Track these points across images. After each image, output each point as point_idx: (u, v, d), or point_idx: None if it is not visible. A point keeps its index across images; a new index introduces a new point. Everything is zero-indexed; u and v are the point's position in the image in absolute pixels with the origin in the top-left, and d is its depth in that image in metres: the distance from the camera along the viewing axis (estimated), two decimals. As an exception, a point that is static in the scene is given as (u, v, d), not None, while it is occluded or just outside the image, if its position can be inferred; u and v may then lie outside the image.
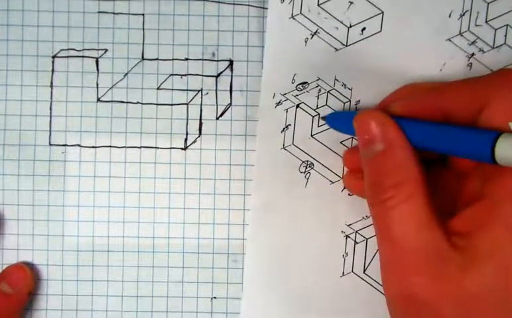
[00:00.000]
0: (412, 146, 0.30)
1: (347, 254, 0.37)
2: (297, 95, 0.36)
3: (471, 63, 0.35)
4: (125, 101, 0.37)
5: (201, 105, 0.37)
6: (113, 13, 0.37)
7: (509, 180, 0.28)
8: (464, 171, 0.31)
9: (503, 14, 0.35)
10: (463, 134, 0.29)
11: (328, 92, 0.36)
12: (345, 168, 0.36)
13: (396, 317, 0.30)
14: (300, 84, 0.36)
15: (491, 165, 0.28)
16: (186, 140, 0.37)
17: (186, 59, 0.37)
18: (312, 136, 0.36)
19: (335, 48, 0.36)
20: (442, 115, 0.30)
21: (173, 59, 0.37)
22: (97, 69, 0.37)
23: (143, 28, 0.37)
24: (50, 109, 0.37)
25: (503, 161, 0.27)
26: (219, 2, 0.37)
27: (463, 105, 0.29)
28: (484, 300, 0.27)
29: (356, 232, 0.36)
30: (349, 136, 0.36)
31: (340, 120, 0.35)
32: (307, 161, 0.36)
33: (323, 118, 0.36)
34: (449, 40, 0.35)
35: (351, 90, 0.36)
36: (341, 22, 0.36)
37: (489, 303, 0.27)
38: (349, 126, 0.32)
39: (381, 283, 0.35)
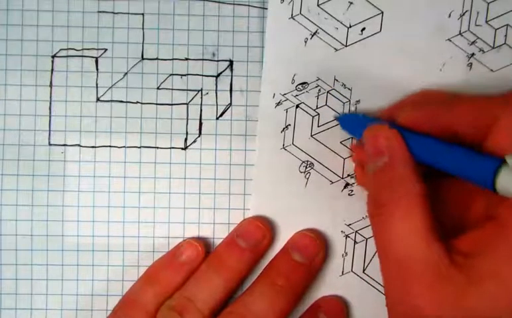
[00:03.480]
0: (415, 162, 0.30)
1: (346, 253, 0.37)
2: (297, 95, 0.36)
3: (471, 63, 0.35)
4: (125, 100, 0.37)
5: (201, 105, 0.37)
6: (113, 13, 0.37)
7: None
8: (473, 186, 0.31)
9: (503, 14, 0.35)
10: (466, 157, 0.29)
11: (328, 92, 0.36)
12: (353, 163, 0.36)
13: None
14: (299, 84, 0.36)
15: None
16: (186, 140, 0.37)
17: (186, 59, 0.37)
18: (312, 136, 0.36)
19: (335, 48, 0.36)
20: (448, 130, 0.30)
21: (173, 59, 0.37)
22: (97, 69, 0.37)
23: (143, 28, 0.37)
24: (50, 109, 0.37)
25: (504, 193, 0.27)
26: (219, 2, 0.37)
27: (470, 123, 0.30)
28: None
29: (356, 232, 0.36)
30: (349, 136, 0.36)
31: (352, 124, 0.35)
32: (307, 161, 0.36)
33: (337, 118, 0.36)
34: (449, 40, 0.35)
35: (350, 90, 0.36)
36: (341, 23, 0.36)
37: None
38: (359, 131, 0.32)
39: (380, 282, 0.36)
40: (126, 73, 0.37)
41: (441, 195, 0.31)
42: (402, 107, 0.33)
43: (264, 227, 0.36)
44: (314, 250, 0.35)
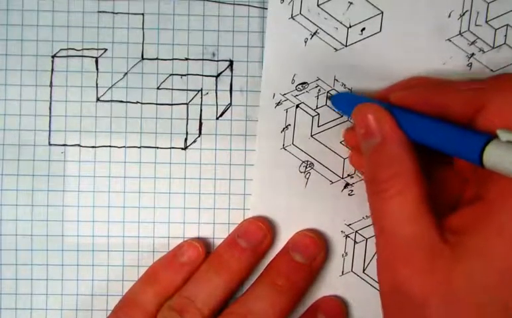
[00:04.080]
0: (408, 140, 0.30)
1: (346, 253, 0.37)
2: (297, 95, 0.36)
3: (471, 63, 0.36)
4: (125, 100, 0.37)
5: (201, 105, 0.37)
6: (113, 13, 0.37)
7: (501, 184, 0.28)
8: (466, 172, 0.32)
9: (503, 14, 0.35)
10: (455, 133, 0.29)
11: (328, 92, 0.36)
12: (348, 148, 0.36)
13: (387, 309, 0.30)
14: (299, 84, 0.36)
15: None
16: (186, 140, 0.37)
17: (186, 59, 0.37)
18: (312, 136, 0.36)
19: (335, 48, 0.36)
20: (439, 111, 0.30)
21: (173, 59, 0.37)
22: (97, 69, 0.37)
23: (143, 28, 0.37)
24: (50, 109, 0.37)
25: (490, 167, 0.27)
26: (219, 2, 0.37)
27: (460, 104, 0.30)
28: (469, 296, 0.27)
29: (356, 232, 0.37)
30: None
31: (345, 103, 0.35)
32: (307, 161, 0.36)
33: (330, 98, 0.36)
34: (449, 40, 0.36)
35: (350, 90, 0.36)
36: (341, 23, 0.36)
37: (474, 300, 0.27)
38: (351, 110, 0.32)
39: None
40: (126, 73, 0.37)
41: (434, 177, 0.31)
42: (394, 89, 0.33)
43: (265, 227, 0.36)
44: (315, 250, 0.35)
